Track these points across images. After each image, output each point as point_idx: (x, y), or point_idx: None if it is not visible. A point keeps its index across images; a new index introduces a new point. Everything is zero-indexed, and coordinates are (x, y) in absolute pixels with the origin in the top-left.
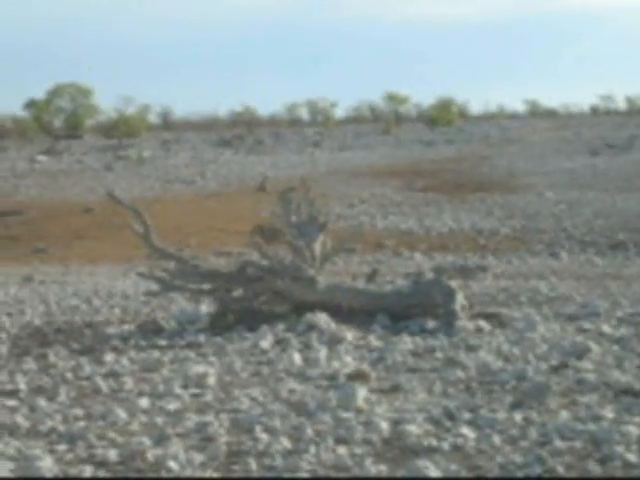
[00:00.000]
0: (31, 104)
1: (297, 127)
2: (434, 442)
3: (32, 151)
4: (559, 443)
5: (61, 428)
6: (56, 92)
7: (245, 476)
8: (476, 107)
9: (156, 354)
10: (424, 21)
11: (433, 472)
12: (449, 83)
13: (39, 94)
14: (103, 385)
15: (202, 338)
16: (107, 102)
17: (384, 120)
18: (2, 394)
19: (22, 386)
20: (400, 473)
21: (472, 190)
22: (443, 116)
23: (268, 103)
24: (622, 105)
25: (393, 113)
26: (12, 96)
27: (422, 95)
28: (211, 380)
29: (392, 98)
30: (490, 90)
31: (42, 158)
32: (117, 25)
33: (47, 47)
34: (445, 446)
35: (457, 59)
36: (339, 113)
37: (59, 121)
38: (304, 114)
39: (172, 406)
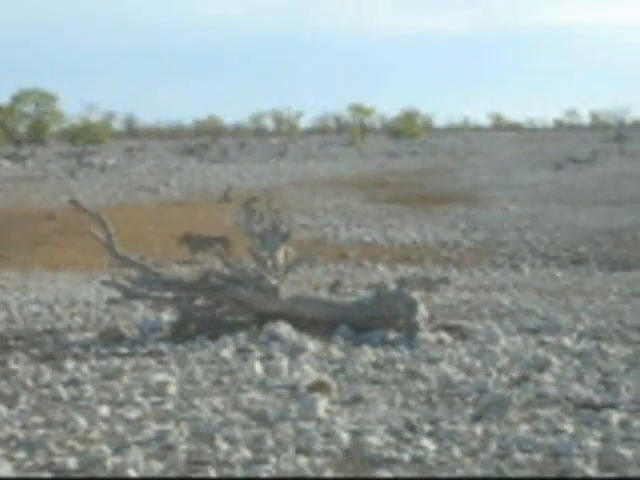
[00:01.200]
0: None
1: (262, 137)
2: (394, 453)
3: None
4: (519, 456)
5: (20, 435)
6: (20, 98)
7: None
8: (441, 120)
9: (117, 362)
10: (390, 33)
11: None
12: (414, 95)
13: (3, 99)
14: (63, 392)
15: (164, 346)
16: (72, 109)
17: (349, 131)
18: None
19: None
20: None
21: (436, 202)
22: (408, 128)
23: (233, 112)
24: (586, 120)
25: (358, 124)
26: None
27: (387, 107)
28: (172, 389)
29: (357, 109)
30: (455, 103)
31: (5, 163)
32: (82, 31)
33: (11, 52)
34: (405, 457)
35: (423, 71)
36: (304, 123)
37: (23, 127)
38: (269, 124)
39: (132, 414)
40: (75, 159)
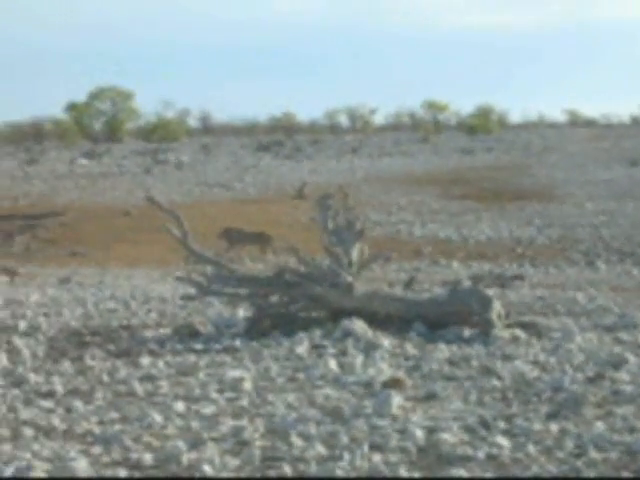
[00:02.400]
0: (72, 106)
1: (336, 133)
2: (469, 451)
3: (72, 154)
4: (594, 454)
5: (96, 430)
6: (97, 95)
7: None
8: (516, 116)
9: (192, 358)
10: (466, 28)
11: None
12: (489, 91)
13: (80, 97)
14: (139, 388)
15: (238, 343)
16: (147, 106)
17: (423, 127)
18: (38, 395)
19: (58, 388)
20: None
21: (511, 199)
22: (483, 124)
23: (308, 109)
24: None
25: (432, 121)
26: (53, 98)
27: (462, 103)
28: (247, 385)
29: (432, 105)
30: (530, 99)
31: (82, 161)
32: (159, 29)
33: (89, 50)
34: (480, 455)
35: (498, 67)
36: (378, 120)
37: (99, 124)
38: (343, 120)
39: (208, 410)
40: (150, 156)
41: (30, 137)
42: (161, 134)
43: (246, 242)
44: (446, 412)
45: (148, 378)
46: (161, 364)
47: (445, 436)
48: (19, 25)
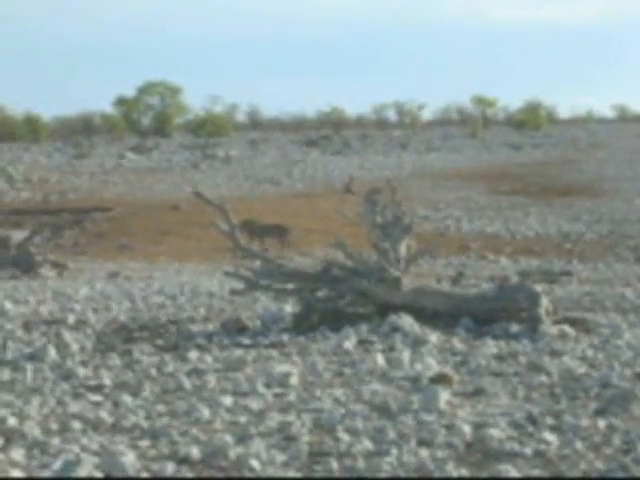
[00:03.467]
0: (120, 101)
1: (384, 128)
2: (516, 447)
3: (121, 148)
4: None
5: (144, 424)
6: (146, 90)
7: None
8: (564, 111)
9: (240, 353)
10: (513, 25)
11: (515, 477)
12: (538, 86)
13: (129, 91)
14: (187, 382)
15: (286, 338)
16: (196, 101)
17: (471, 123)
18: (87, 389)
19: (106, 382)
20: (482, 477)
21: (559, 194)
22: (531, 120)
23: (356, 104)
24: None
25: (481, 116)
26: (102, 93)
27: (510, 98)
28: (294, 380)
29: (480, 101)
30: (579, 94)
31: (131, 155)
32: (207, 24)
33: (138, 45)
34: (527, 451)
35: (546, 62)
36: (426, 115)
37: (148, 119)
38: (391, 115)
39: (255, 405)
40: (199, 151)
41: (79, 132)
42: (209, 129)
43: (265, 234)
44: (493, 408)
45: (196, 372)
46: (209, 358)
47: (492, 432)
48: (69, 22)
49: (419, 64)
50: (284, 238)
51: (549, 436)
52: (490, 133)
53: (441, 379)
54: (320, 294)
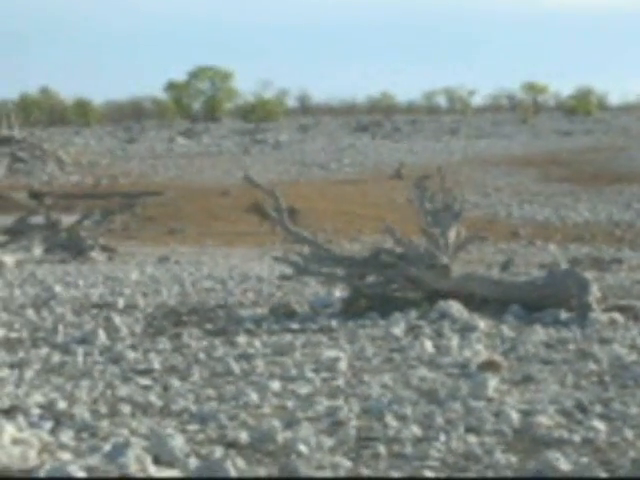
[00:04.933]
0: (171, 86)
1: (434, 114)
2: (565, 434)
3: (171, 133)
4: None
5: (193, 408)
6: (196, 75)
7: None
8: (615, 98)
9: (288, 338)
10: (565, 10)
11: (564, 464)
12: (589, 73)
13: (179, 76)
14: (235, 367)
15: (334, 323)
16: (246, 85)
17: (522, 109)
18: (136, 373)
19: (156, 365)
20: (530, 464)
21: (609, 181)
22: (582, 106)
23: (406, 90)
24: None
25: (531, 102)
26: (152, 78)
27: (561, 85)
28: (342, 365)
29: (531, 87)
30: (630, 80)
31: (181, 140)
32: (259, 8)
33: (189, 29)
34: (576, 439)
35: (598, 48)
36: (477, 101)
37: (198, 103)
38: (442, 101)
39: (303, 390)
40: (249, 136)
41: (130, 116)
42: (259, 114)
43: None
44: (542, 395)
45: (244, 357)
46: (257, 343)
47: (541, 419)
48: (121, 6)
49: (470, 50)
50: (293, 219)
51: (598, 424)
52: (540, 119)
53: (489, 366)
54: (369, 280)
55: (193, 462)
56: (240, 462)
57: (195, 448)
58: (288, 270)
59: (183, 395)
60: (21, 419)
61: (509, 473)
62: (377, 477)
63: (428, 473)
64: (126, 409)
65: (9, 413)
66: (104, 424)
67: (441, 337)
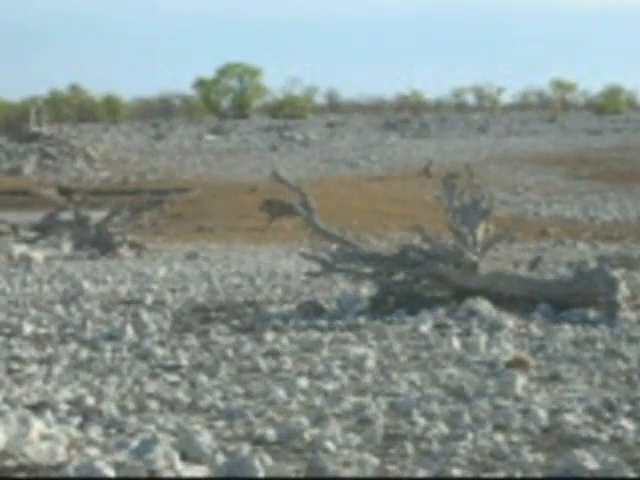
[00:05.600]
0: (200, 83)
1: (463, 112)
2: (593, 433)
3: (199, 130)
4: None
5: (220, 405)
6: (225, 72)
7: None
8: None
9: (316, 335)
10: (593, 7)
11: (591, 463)
12: (618, 71)
13: (208, 73)
14: (263, 364)
15: (362, 320)
16: (274, 83)
17: (551, 107)
18: (164, 369)
19: (183, 362)
20: (558, 463)
21: (638, 180)
22: (611, 104)
23: (435, 87)
24: None
25: (560, 100)
26: (181, 74)
27: (590, 83)
28: (370, 363)
29: (559, 85)
30: None
31: (209, 137)
32: (287, 4)
33: (218, 26)
34: (604, 437)
35: (627, 46)
36: (506, 99)
37: (227, 100)
38: (470, 99)
39: (331, 387)
40: (277, 133)
41: (158, 113)
42: (288, 111)
43: (286, 213)
44: (570, 393)
45: (272, 354)
46: (285, 340)
47: (569, 417)
48: (150, 3)
49: (499, 48)
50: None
51: (626, 423)
52: (569, 117)
53: (517, 364)
54: (397, 277)
55: (220, 459)
56: (267, 459)
57: (222, 445)
58: (316, 267)
59: (211, 392)
60: (49, 415)
61: (536, 472)
62: (402, 477)
63: (455, 471)
64: (154, 405)
65: (37, 409)
66: (132, 420)
67: (469, 335)
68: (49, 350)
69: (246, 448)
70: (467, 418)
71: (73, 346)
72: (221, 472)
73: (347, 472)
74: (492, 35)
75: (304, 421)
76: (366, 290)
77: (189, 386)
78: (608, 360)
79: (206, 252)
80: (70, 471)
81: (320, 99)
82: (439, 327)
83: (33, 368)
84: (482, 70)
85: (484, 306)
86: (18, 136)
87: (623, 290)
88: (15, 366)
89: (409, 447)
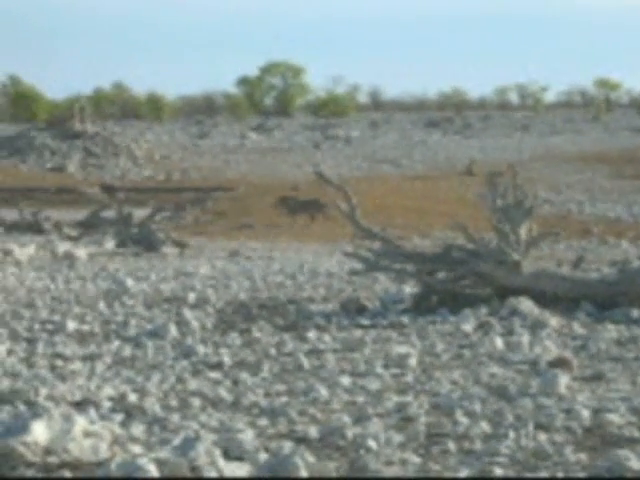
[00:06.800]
0: (243, 81)
1: (506, 110)
2: (636, 433)
3: (243, 128)
4: None
5: (263, 403)
6: (268, 70)
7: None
8: None
9: (358, 333)
10: (636, 7)
11: (634, 463)
12: None
13: (252, 71)
14: (305, 362)
15: (405, 319)
16: (317, 81)
17: (595, 106)
18: (206, 367)
19: (226, 360)
20: (600, 463)
21: None
22: None
23: (478, 86)
24: None
25: (604, 99)
26: (225, 72)
27: (634, 82)
28: (412, 361)
29: (603, 84)
30: None
31: (252, 135)
32: (330, 2)
33: (261, 24)
34: None
35: None
36: (549, 97)
37: (270, 99)
38: (513, 98)
39: (373, 385)
40: (320, 131)
41: (202, 111)
42: (331, 109)
43: (302, 210)
44: (613, 393)
45: (314, 352)
46: (327, 338)
47: (612, 417)
48: (195, 1)
49: (542, 46)
50: (320, 212)
51: None
52: (613, 116)
53: (560, 363)
54: (439, 276)
55: (262, 457)
56: (309, 457)
57: (264, 442)
58: (358, 266)
59: (253, 390)
60: (92, 412)
61: (579, 471)
62: (444, 477)
63: (497, 470)
64: (196, 403)
65: (81, 406)
66: (174, 417)
67: (511, 334)
68: (92, 347)
69: (288, 446)
70: (509, 417)
71: (116, 343)
72: (263, 470)
73: (389, 471)
74: (536, 34)
75: (346, 419)
76: (409, 289)
77: (232, 384)
78: None
79: (249, 250)
80: (113, 468)
81: (363, 97)
82: (482, 326)
83: (76, 365)
84: (525, 68)
85: (527, 305)
86: (62, 134)
87: None
88: (58, 363)
89: (451, 446)
